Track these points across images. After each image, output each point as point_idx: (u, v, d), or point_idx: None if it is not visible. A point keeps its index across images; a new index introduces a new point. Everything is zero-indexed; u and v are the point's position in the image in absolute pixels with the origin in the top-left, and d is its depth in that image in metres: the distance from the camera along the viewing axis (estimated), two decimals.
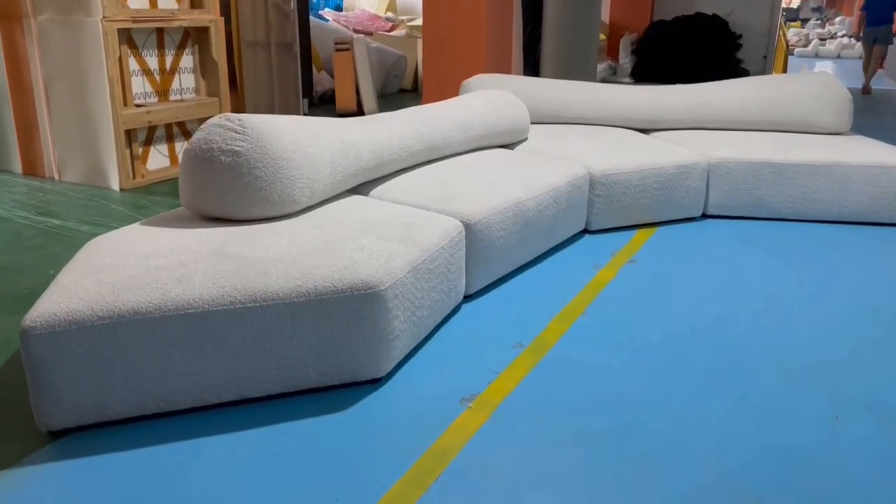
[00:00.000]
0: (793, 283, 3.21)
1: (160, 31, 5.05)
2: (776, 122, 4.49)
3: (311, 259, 2.24)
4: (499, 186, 3.26)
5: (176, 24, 5.01)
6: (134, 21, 4.68)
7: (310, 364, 2.19)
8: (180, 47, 5.26)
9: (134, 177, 4.88)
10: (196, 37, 5.35)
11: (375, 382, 2.33)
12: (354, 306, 2.18)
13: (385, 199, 3.14)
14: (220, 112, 5.46)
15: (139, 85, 4.96)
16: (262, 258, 2.23)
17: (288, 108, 8.30)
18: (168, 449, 1.97)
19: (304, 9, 8.86)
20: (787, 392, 2.31)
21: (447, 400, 2.23)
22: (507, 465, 1.92)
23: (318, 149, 2.77)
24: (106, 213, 4.21)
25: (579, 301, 3.00)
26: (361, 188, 3.25)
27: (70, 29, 4.61)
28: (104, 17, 4.48)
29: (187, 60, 5.35)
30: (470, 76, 6.37)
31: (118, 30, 4.59)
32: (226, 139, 2.52)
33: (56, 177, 5.01)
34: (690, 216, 4.10)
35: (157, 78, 5.11)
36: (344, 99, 8.35)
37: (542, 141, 4.30)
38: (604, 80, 12.95)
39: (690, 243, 3.73)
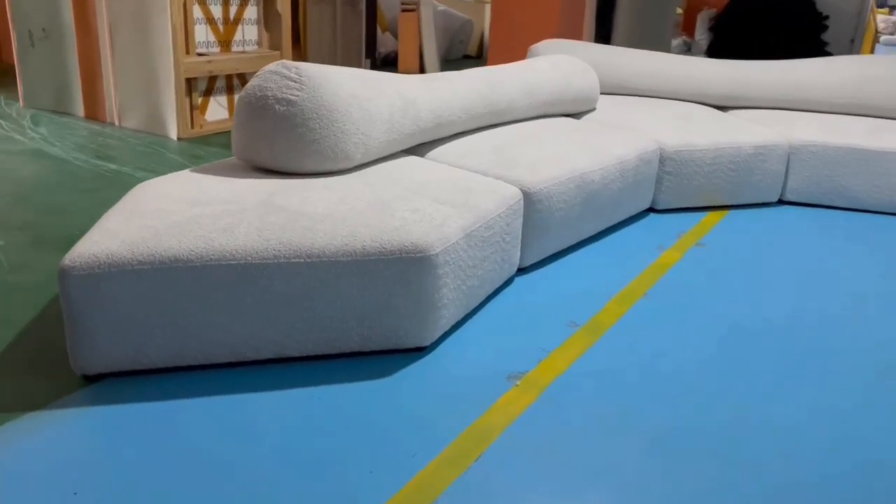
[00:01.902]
0: (877, 279, 2.96)
1: None
2: (871, 106, 4.15)
3: (361, 218, 2.13)
4: (563, 155, 3.08)
5: None
6: None
7: (353, 327, 2.08)
8: None
9: (192, 126, 4.86)
10: None
11: (420, 351, 2.21)
12: (402, 270, 2.06)
13: (441, 162, 3.00)
14: None
15: (202, 34, 4.91)
16: (310, 213, 2.12)
17: (350, 66, 8.19)
18: (202, 403, 1.90)
19: None
20: (871, 398, 2.11)
21: (494, 376, 2.10)
22: (553, 450, 1.79)
23: (377, 104, 2.64)
24: (162, 161, 4.19)
25: (640, 282, 2.82)
26: (417, 149, 3.11)
27: None
28: None
29: (251, 12, 5.27)
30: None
31: None
32: (281, 87, 2.41)
33: (116, 122, 5.02)
34: (766, 201, 3.85)
35: (221, 28, 5.05)
36: (406, 61, 8.20)
37: (611, 112, 4.08)
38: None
39: (764, 230, 3.49)
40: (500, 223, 2.50)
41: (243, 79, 5.23)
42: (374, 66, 9.09)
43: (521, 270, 2.88)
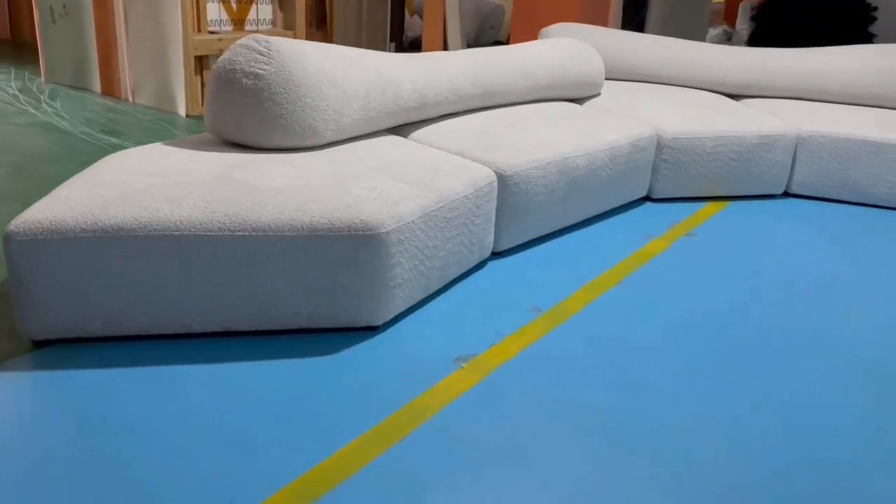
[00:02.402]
0: (866, 277, 2.83)
1: None
2: (888, 97, 3.97)
3: (314, 193, 2.11)
4: (548, 139, 3.01)
5: None
6: None
7: (300, 303, 2.07)
8: None
9: (202, 104, 4.90)
10: None
11: (373, 331, 2.19)
12: (351, 247, 2.04)
13: (423, 142, 2.97)
14: None
15: (214, 12, 4.95)
16: (264, 187, 2.11)
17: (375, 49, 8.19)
18: (142, 373, 1.92)
19: None
20: (823, 395, 2.01)
21: (441, 358, 2.07)
22: (484, 432, 1.75)
23: (351, 81, 2.61)
24: (165, 137, 4.24)
25: (617, 271, 2.75)
26: (402, 129, 3.08)
27: None
28: None
29: None
30: None
31: None
32: (250, 61, 2.40)
33: (130, 98, 5.10)
34: (770, 193, 3.72)
35: (234, 6, 5.08)
36: (430, 45, 8.14)
37: (616, 97, 3.98)
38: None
39: (763, 223, 3.37)
40: (466, 205, 2.46)
41: None
42: (399, 50, 9.06)
43: (498, 254, 2.83)
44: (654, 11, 8.78)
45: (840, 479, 1.68)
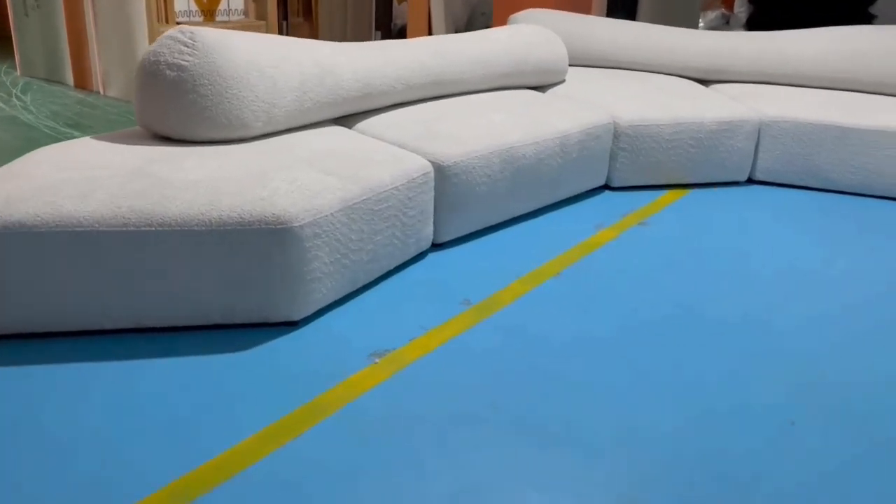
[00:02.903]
0: (821, 265, 2.77)
1: None
2: (863, 81, 3.88)
3: (229, 186, 2.08)
4: (495, 128, 2.96)
5: None
6: None
7: (215, 299, 2.04)
8: None
9: None
10: None
11: (293, 325, 2.17)
12: (263, 241, 2.00)
13: (367, 133, 2.92)
14: None
15: (183, 2, 4.91)
16: (178, 181, 2.08)
17: (360, 39, 8.13)
18: (47, 371, 1.90)
19: None
20: (745, 384, 1.97)
21: (357, 353, 2.04)
22: (382, 430, 1.72)
23: (283, 71, 2.57)
24: None
25: (559, 262, 2.70)
26: (348, 119, 3.03)
27: None
28: None
29: None
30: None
31: None
32: (174, 52, 2.37)
33: (101, 91, 5.08)
34: (734, 180, 3.65)
35: None
36: (415, 33, 8.07)
37: (580, 84, 3.91)
38: (713, 30, 11.96)
39: (721, 210, 3.31)
40: (397, 196, 2.42)
41: None
42: (386, 38, 8.99)
43: (439, 245, 2.79)
44: None
45: (746, 470, 1.64)
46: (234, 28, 5.12)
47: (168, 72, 2.35)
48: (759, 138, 3.60)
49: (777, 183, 3.66)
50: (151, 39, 4.60)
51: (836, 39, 3.96)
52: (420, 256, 2.69)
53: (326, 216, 2.12)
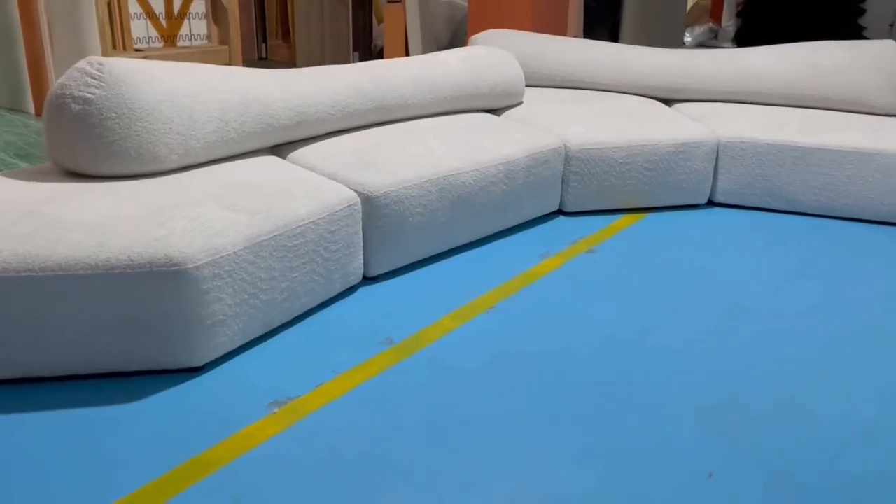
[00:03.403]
0: (772, 296, 2.64)
1: None
2: (823, 97, 3.76)
3: (124, 226, 1.97)
4: (433, 155, 2.86)
5: None
6: None
7: (107, 346, 1.93)
8: None
9: None
10: None
11: (196, 371, 2.05)
12: (156, 285, 1.89)
13: (300, 163, 2.82)
14: (229, 61, 5.29)
15: (141, 29, 4.85)
16: (69, 222, 1.98)
17: (338, 60, 8.08)
18: None
19: None
20: (674, 435, 1.84)
21: (256, 402, 1.92)
22: (257, 494, 1.60)
23: (202, 101, 2.48)
24: None
25: (495, 294, 2.58)
26: (284, 148, 2.93)
27: None
28: None
29: (199, 6, 5.19)
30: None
31: None
32: (80, 85, 2.27)
33: None
34: (694, 203, 3.53)
35: (164, 22, 4.98)
36: (391, 54, 8.02)
37: (536, 106, 3.81)
38: (701, 45, 11.91)
39: (676, 235, 3.19)
40: (316, 231, 2.31)
41: None
42: (364, 59, 8.94)
43: (372, 279, 2.67)
44: (629, 13, 8.60)
45: None
46: (196, 53, 5.06)
47: (74, 105, 2.25)
48: (717, 159, 3.48)
49: (738, 205, 3.54)
50: None
51: (797, 55, 3.85)
52: (349, 291, 2.58)
53: (229, 255, 2.01)
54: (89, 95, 2.25)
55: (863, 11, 10.94)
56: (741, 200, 3.51)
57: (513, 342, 2.26)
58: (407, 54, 8.07)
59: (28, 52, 5.06)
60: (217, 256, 1.98)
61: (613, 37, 8.37)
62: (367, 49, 8.94)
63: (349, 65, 3.24)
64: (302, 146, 2.93)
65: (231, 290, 2.04)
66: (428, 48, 8.29)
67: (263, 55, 8.58)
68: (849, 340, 2.34)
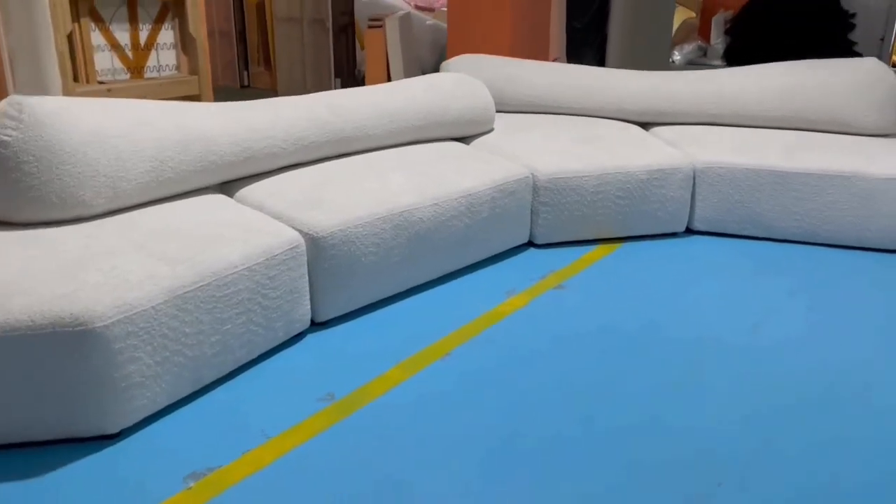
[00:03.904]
0: (748, 335, 2.46)
1: (132, 3, 4.77)
2: (804, 118, 3.61)
3: (30, 282, 1.81)
4: (389, 190, 2.70)
5: None
6: None
7: (10, 413, 1.76)
8: (158, 21, 4.96)
9: None
10: (176, 10, 5.04)
11: (112, 438, 1.87)
12: (60, 347, 1.72)
13: (247, 202, 2.66)
14: (199, 91, 5.16)
15: (105, 61, 4.72)
16: None
17: (320, 87, 7.98)
18: None
19: None
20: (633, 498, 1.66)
21: (173, 474, 1.74)
22: None
23: (134, 140, 2.32)
24: None
25: (454, 338, 2.41)
26: (232, 186, 2.77)
27: (24, 0, 4.40)
28: None
29: (167, 35, 5.06)
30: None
31: (74, 1, 4.34)
32: None
33: None
34: (672, 231, 3.36)
35: (130, 54, 4.85)
36: (373, 80, 7.91)
37: (508, 134, 3.66)
38: (691, 63, 11.81)
39: (650, 266, 3.01)
40: (252, 278, 2.14)
41: None
42: (346, 85, 8.83)
43: (323, 324, 2.50)
44: (615, 33, 8.51)
45: None
46: (164, 84, 4.93)
47: None
48: (694, 186, 3.32)
49: (718, 233, 3.37)
50: None
51: (778, 75, 3.71)
52: (297, 338, 2.40)
53: (146, 311, 1.84)
54: (5, 138, 2.10)
55: (853, 26, 10.86)
56: (721, 228, 3.35)
57: (464, 396, 2.09)
58: (389, 79, 7.96)
59: None
60: (131, 313, 1.81)
61: (601, 57, 8.27)
62: (352, 75, 8.84)
63: (306, 95, 3.10)
64: (253, 182, 2.78)
65: (149, 348, 1.87)
66: (411, 73, 8.18)
67: (246, 83, 8.48)
68: (834, 382, 2.16)
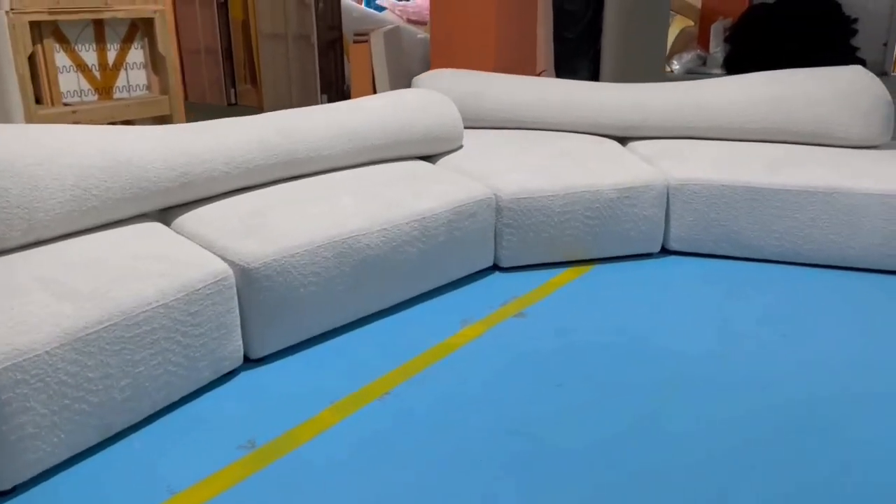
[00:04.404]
0: (717, 368, 2.28)
1: (98, 23, 4.67)
2: (787, 130, 3.43)
3: None
4: (336, 215, 2.54)
5: (109, 15, 4.61)
6: (52, 13, 4.31)
7: None
8: (126, 41, 4.86)
9: None
10: (145, 30, 4.93)
11: (6, 496, 1.72)
12: None
13: (183, 230, 2.51)
14: (171, 111, 5.04)
15: (71, 82, 4.60)
16: None
17: (306, 103, 7.87)
18: None
19: None
20: None
21: None
22: None
23: (50, 169, 2.18)
24: None
25: (396, 375, 2.24)
26: (172, 212, 2.62)
27: None
28: (12, 10, 4.13)
29: (137, 55, 4.95)
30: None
31: (36, 22, 4.24)
32: None
33: None
34: (646, 252, 3.18)
35: (97, 74, 4.74)
36: (359, 94, 7.79)
37: (476, 151, 3.50)
38: (690, 72, 11.64)
39: (621, 290, 2.84)
40: (168, 315, 1.99)
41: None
42: (333, 100, 8.71)
43: (259, 361, 2.34)
44: (609, 43, 8.35)
45: None
46: (133, 104, 4.82)
47: None
48: (668, 204, 3.15)
49: (695, 253, 3.19)
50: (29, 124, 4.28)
51: (760, 86, 3.53)
52: (228, 377, 2.24)
53: (39, 356, 1.69)
54: None
55: (855, 32, 10.66)
56: (698, 248, 3.17)
57: (397, 440, 1.92)
58: (374, 93, 7.84)
59: None
60: (20, 359, 1.66)
61: (594, 68, 8.12)
62: (340, 90, 8.73)
63: (257, 115, 2.96)
64: (194, 208, 2.63)
65: (44, 396, 1.71)
66: (399, 87, 8.06)
67: (233, 101, 8.38)
68: (814, 418, 1.98)
